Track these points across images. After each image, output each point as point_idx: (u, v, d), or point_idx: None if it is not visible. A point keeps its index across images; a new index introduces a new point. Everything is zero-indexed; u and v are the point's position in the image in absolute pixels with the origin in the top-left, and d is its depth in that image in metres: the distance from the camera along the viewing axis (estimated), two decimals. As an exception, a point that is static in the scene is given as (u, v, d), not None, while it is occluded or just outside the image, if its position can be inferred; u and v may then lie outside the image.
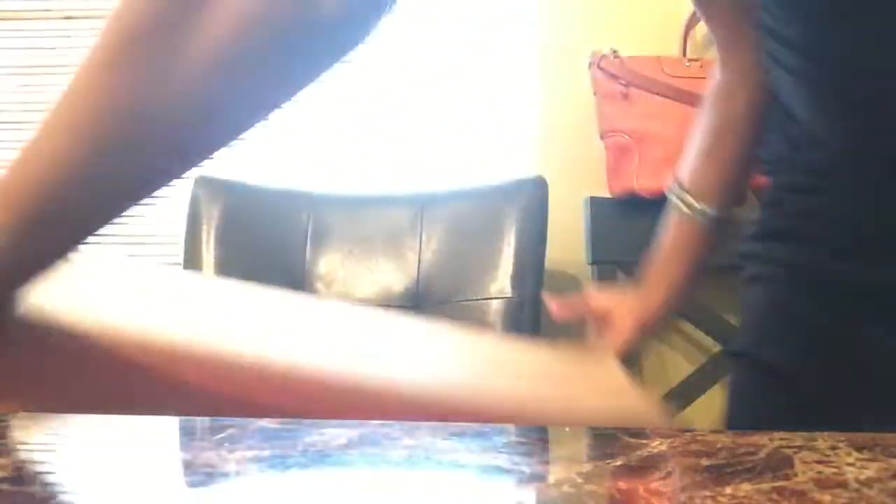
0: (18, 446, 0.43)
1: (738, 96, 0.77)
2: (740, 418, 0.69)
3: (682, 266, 0.81)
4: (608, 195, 1.41)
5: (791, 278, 0.67)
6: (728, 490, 0.33)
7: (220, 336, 0.53)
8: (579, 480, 0.35)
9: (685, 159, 0.81)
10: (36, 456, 0.42)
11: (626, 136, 1.34)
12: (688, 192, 0.79)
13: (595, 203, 1.40)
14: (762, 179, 0.71)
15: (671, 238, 0.81)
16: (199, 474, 0.36)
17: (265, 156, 1.64)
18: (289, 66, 0.48)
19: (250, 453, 0.39)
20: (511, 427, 0.49)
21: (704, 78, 1.37)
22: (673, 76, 1.35)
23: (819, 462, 0.37)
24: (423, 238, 1.35)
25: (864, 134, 0.59)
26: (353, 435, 0.43)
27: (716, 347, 1.38)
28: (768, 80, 0.67)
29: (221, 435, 0.42)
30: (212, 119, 0.46)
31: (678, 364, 1.48)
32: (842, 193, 0.61)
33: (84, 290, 0.53)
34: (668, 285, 0.81)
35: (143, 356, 0.48)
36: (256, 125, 0.48)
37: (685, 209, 0.78)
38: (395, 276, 1.34)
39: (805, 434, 0.41)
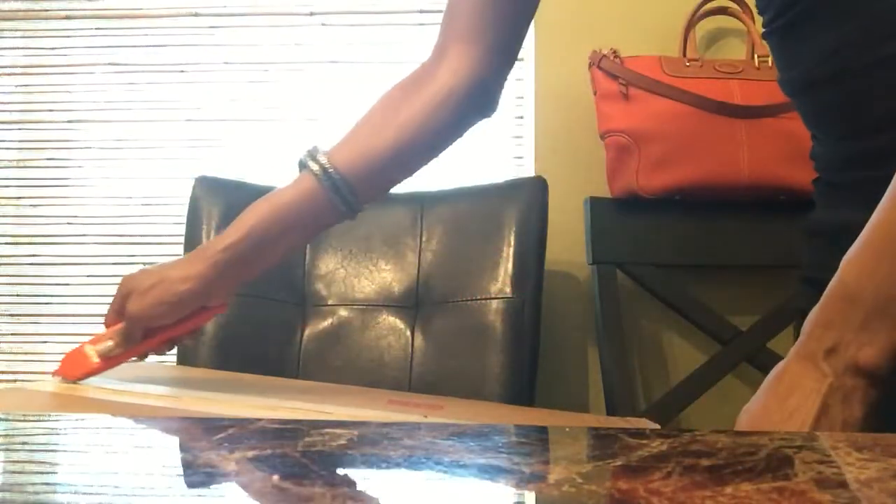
0: (18, 446, 0.43)
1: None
2: None
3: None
4: (608, 195, 1.40)
5: None
6: (728, 490, 0.33)
7: None
8: (579, 480, 0.35)
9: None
10: (36, 456, 0.42)
11: (626, 136, 1.34)
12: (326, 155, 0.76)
13: (595, 203, 1.40)
14: None
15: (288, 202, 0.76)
16: (199, 474, 0.36)
17: (265, 156, 1.64)
18: None
19: (250, 453, 0.39)
20: (511, 427, 0.49)
21: (705, 78, 1.38)
22: (673, 76, 1.35)
23: (819, 462, 0.37)
24: (423, 238, 1.35)
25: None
26: (353, 435, 0.43)
27: (716, 347, 1.38)
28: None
29: (221, 435, 0.42)
30: None
31: (678, 364, 1.48)
32: None
33: None
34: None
35: None
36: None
37: (313, 166, 0.75)
38: (395, 275, 1.34)
39: (805, 434, 0.41)
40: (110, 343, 0.75)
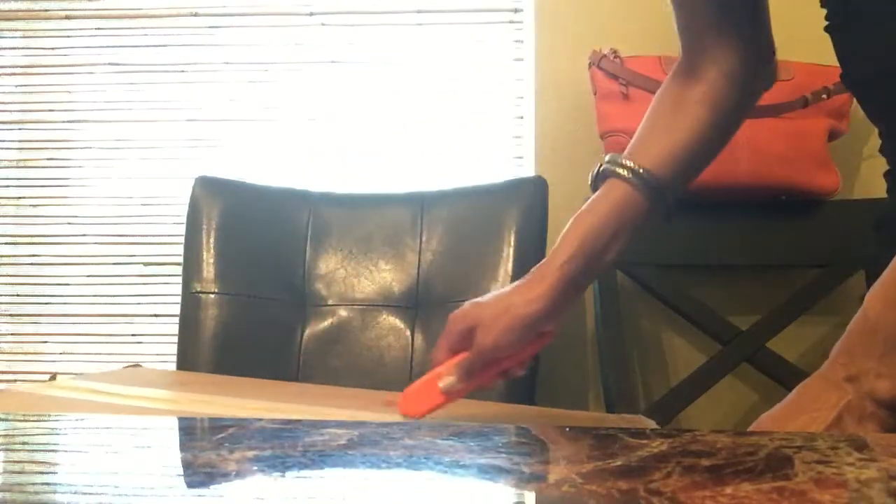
0: (18, 446, 0.43)
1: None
2: None
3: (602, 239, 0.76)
4: (608, 195, 1.40)
5: None
6: (728, 490, 0.33)
7: None
8: (579, 480, 0.35)
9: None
10: (36, 456, 0.42)
11: (626, 137, 1.34)
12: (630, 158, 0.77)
13: (595, 203, 1.40)
14: None
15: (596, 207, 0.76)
16: (199, 474, 0.36)
17: (265, 156, 1.64)
18: None
19: (250, 453, 0.39)
20: (511, 427, 0.49)
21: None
22: (673, 76, 1.35)
23: (819, 462, 0.37)
24: (423, 238, 1.35)
25: None
26: (353, 435, 0.43)
27: (716, 347, 1.38)
28: None
29: (221, 435, 0.42)
30: None
31: (678, 364, 1.48)
32: None
33: None
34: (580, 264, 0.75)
35: None
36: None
37: (622, 171, 0.76)
38: (395, 275, 1.34)
39: (805, 434, 0.41)
40: (453, 378, 0.75)
